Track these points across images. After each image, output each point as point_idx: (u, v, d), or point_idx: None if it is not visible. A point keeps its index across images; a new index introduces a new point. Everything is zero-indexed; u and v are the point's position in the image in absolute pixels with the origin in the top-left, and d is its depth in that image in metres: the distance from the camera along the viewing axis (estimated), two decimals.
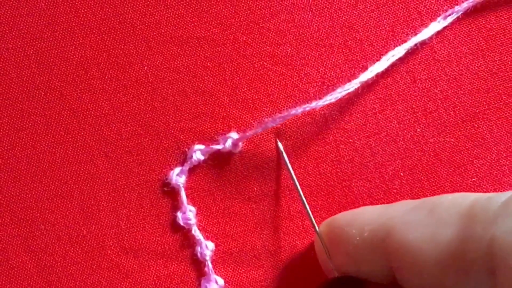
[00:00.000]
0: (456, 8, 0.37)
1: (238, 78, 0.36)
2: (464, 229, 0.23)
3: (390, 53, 0.36)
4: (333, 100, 0.34)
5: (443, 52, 0.37)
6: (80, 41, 0.36)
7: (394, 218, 0.27)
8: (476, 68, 0.37)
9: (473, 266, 0.23)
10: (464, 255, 0.23)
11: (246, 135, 0.35)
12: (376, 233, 0.28)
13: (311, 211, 0.36)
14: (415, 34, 0.36)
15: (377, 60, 0.36)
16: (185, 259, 0.36)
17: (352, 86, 0.34)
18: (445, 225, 0.24)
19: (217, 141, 0.36)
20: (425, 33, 0.36)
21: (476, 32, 0.37)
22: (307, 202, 0.35)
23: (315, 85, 0.37)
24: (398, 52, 0.35)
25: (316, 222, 0.34)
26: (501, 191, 0.37)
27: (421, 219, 0.26)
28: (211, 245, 0.36)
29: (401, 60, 0.37)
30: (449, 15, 0.37)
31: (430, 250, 0.25)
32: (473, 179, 0.37)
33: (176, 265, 0.36)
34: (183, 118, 0.36)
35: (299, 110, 0.34)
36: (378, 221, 0.28)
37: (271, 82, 0.36)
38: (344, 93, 0.34)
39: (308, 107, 0.34)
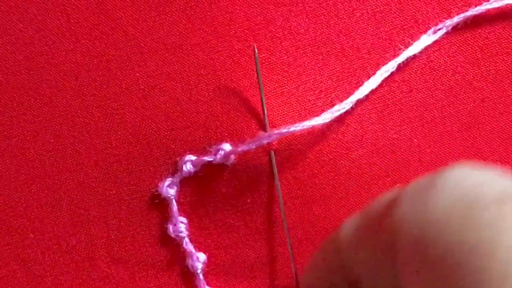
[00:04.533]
0: (447, 22, 0.36)
1: (232, 86, 0.36)
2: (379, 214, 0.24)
3: (383, 68, 0.35)
4: (330, 119, 0.34)
5: (439, 61, 0.37)
6: (71, 47, 0.35)
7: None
8: (472, 77, 0.37)
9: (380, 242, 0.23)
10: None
11: (239, 150, 0.34)
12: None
13: (308, 222, 0.35)
14: (411, 43, 0.36)
15: (374, 67, 0.36)
16: (176, 270, 0.36)
17: (349, 103, 0.34)
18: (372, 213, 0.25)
19: (209, 152, 0.35)
20: (415, 47, 0.36)
21: (472, 41, 0.37)
22: (301, 214, 0.35)
23: (311, 93, 0.36)
24: (392, 66, 0.35)
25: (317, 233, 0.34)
26: None
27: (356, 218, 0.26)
28: (202, 256, 0.35)
29: (397, 69, 0.36)
30: (439, 29, 0.36)
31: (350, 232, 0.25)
32: None
33: (167, 276, 0.36)
34: (175, 127, 0.35)
35: (297, 127, 0.33)
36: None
37: (267, 90, 0.36)
38: (342, 111, 0.34)
39: (305, 125, 0.33)
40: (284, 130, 0.33)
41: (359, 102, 0.36)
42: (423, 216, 0.20)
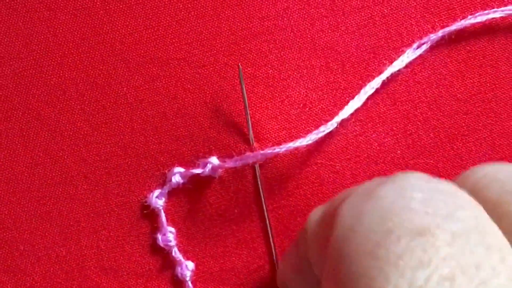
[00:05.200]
0: (432, 36, 0.37)
1: (219, 100, 0.36)
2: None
3: (368, 86, 0.36)
4: (315, 140, 0.34)
5: (423, 74, 0.37)
6: (58, 61, 0.36)
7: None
8: (456, 90, 0.37)
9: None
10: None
11: (225, 165, 0.35)
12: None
13: (293, 231, 0.36)
14: (395, 58, 0.36)
15: (359, 81, 0.36)
16: (166, 279, 0.36)
17: (334, 124, 0.35)
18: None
19: (197, 164, 0.36)
20: (400, 62, 0.36)
21: (456, 54, 0.37)
22: (287, 223, 0.35)
23: (296, 107, 0.36)
24: (376, 83, 0.35)
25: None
26: None
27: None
28: (191, 265, 0.36)
29: (381, 83, 0.37)
30: (424, 43, 0.37)
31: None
32: None
33: (156, 285, 0.36)
34: (162, 140, 0.36)
35: (281, 149, 0.33)
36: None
37: (252, 104, 0.36)
38: (327, 131, 0.35)
39: (290, 146, 0.34)
40: (269, 151, 0.33)
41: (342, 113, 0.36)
42: (350, 221, 0.21)
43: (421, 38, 0.37)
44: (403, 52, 0.37)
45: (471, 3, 0.37)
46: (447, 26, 0.37)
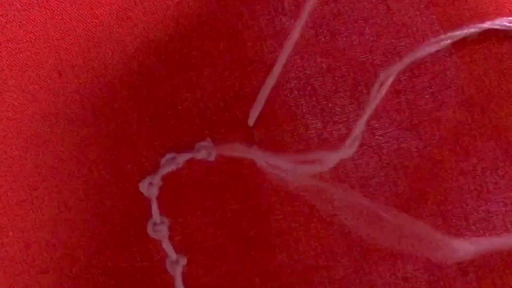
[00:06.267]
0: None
1: (213, 84, 0.35)
2: None
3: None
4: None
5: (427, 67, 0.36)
6: (55, 43, 0.35)
7: None
8: (461, 81, 0.36)
9: None
10: None
11: (223, 152, 0.34)
12: None
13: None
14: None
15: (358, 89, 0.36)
16: (155, 272, 0.35)
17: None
18: None
19: (191, 149, 0.35)
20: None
21: (461, 47, 0.36)
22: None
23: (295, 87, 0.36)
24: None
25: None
26: (486, 208, 0.36)
27: None
28: (182, 258, 0.35)
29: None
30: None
31: None
32: (458, 196, 0.36)
33: (144, 277, 0.35)
34: (157, 125, 0.35)
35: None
36: None
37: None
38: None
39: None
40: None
41: (344, 101, 0.35)
42: None
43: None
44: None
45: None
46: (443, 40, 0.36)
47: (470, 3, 0.36)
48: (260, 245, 0.35)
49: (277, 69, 0.34)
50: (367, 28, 0.36)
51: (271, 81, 0.34)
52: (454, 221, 0.35)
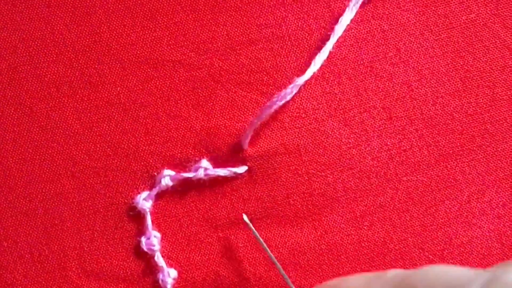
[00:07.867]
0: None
1: (211, 104, 0.36)
2: None
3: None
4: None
5: (420, 91, 0.37)
6: (54, 58, 0.36)
7: None
8: (452, 109, 0.37)
9: None
10: None
11: (216, 172, 0.35)
12: None
13: (279, 240, 0.36)
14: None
15: (354, 93, 0.36)
16: (147, 285, 0.36)
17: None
18: None
19: (187, 167, 0.35)
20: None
21: (453, 72, 0.37)
22: (272, 232, 0.35)
23: (290, 114, 0.36)
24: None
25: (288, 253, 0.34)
26: (470, 232, 0.36)
27: None
28: (173, 272, 0.35)
29: (377, 94, 0.36)
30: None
31: None
32: (443, 220, 0.36)
33: None
34: (153, 141, 0.36)
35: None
36: None
37: (245, 109, 0.36)
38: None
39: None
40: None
41: (338, 126, 0.36)
42: None
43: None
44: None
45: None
46: None
47: None
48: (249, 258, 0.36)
49: None
50: None
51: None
52: None
